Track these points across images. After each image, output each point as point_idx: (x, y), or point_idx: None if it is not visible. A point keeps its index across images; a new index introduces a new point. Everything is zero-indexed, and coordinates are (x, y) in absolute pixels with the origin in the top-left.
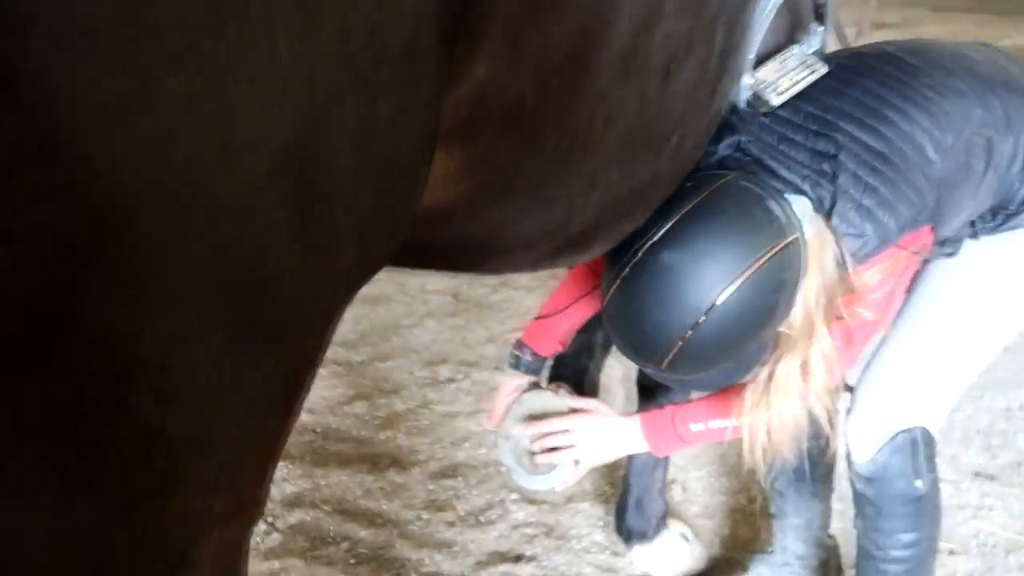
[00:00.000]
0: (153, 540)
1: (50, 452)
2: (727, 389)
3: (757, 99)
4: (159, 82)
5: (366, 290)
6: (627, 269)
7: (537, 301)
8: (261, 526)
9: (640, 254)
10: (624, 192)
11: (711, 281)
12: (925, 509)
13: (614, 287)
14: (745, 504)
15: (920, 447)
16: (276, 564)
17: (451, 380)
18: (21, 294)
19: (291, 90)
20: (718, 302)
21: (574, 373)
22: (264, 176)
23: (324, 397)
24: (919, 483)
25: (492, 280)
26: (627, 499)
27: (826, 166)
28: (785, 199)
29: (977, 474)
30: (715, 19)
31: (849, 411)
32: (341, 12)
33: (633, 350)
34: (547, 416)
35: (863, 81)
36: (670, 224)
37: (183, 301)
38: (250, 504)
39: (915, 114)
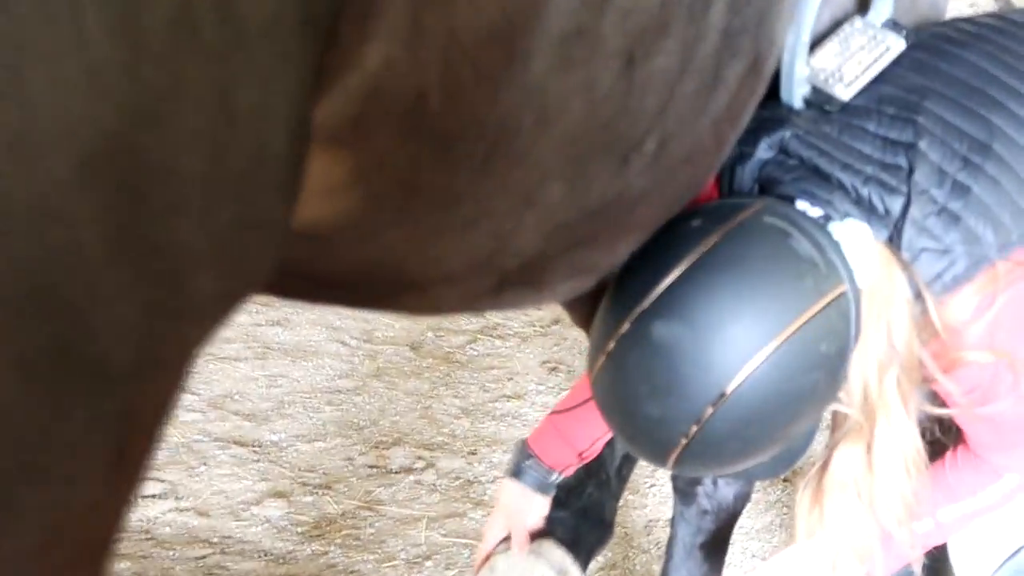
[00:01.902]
0: None
1: None
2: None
3: (819, 94)
4: None
5: (286, 339)
6: (612, 343)
7: (536, 356)
8: None
9: (627, 324)
10: (575, 214)
11: (725, 361)
12: None
13: (598, 364)
14: None
15: None
16: None
17: (407, 470)
18: None
19: (104, 77)
20: (728, 390)
21: (576, 514)
22: (70, 182)
23: (223, 493)
24: None
25: (469, 324)
26: None
27: (901, 158)
28: (827, 235)
29: None
30: None
31: None
32: None
33: (629, 443)
34: None
35: (963, 54)
36: (665, 286)
37: None
38: None
39: None
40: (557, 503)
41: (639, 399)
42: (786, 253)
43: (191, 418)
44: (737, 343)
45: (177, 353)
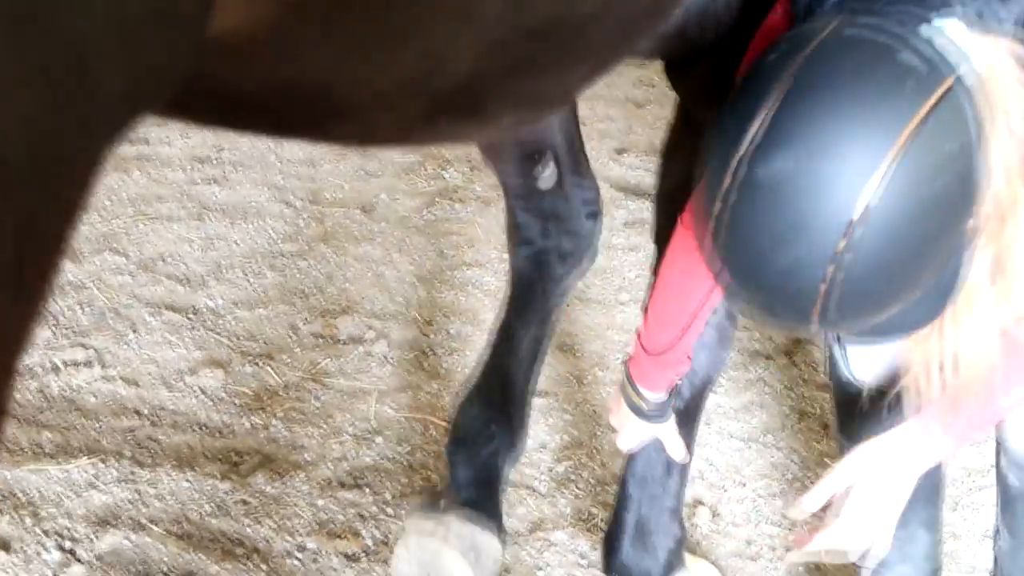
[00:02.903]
0: None
1: None
2: None
3: None
4: None
5: (224, 198)
6: (718, 203)
7: (499, 221)
8: (55, 554)
9: (728, 178)
10: (514, 33)
11: (843, 185)
12: None
13: (710, 231)
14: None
15: None
16: None
17: (357, 341)
18: None
19: None
20: (856, 216)
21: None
22: None
23: (154, 361)
24: None
25: (426, 186)
26: (623, 522)
27: None
28: (919, 34)
29: None
30: None
31: None
32: None
33: (769, 311)
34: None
35: None
36: (757, 126)
37: None
38: None
39: None
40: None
41: (764, 254)
42: (877, 60)
43: (119, 281)
44: (850, 165)
45: (81, 155)
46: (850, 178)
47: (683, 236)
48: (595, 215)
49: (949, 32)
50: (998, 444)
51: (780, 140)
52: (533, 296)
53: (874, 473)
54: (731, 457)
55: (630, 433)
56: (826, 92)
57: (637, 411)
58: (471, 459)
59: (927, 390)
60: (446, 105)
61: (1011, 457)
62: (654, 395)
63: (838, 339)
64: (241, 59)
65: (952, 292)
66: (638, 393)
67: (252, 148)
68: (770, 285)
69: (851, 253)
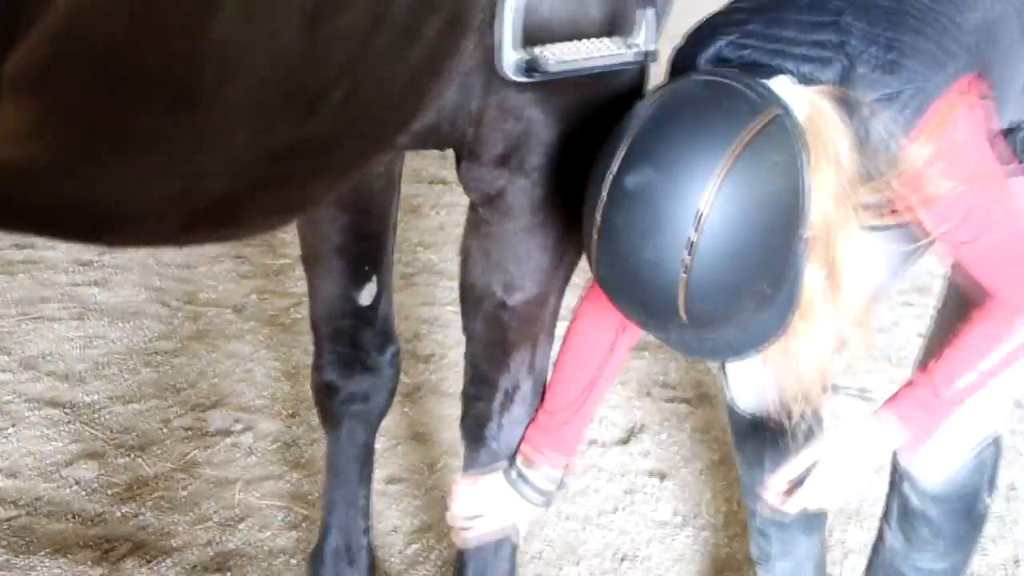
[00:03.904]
0: None
1: None
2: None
3: (533, 64)
4: None
5: (104, 299)
6: (598, 216)
7: None
8: None
9: (605, 193)
10: (261, 158)
11: (688, 188)
12: (980, 527)
13: (595, 242)
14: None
15: (998, 457)
16: None
17: (225, 433)
18: None
19: None
20: (703, 208)
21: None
22: None
23: (34, 454)
24: (988, 500)
25: (294, 287)
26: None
27: (828, 34)
28: (755, 80)
29: None
30: None
31: None
32: None
33: (642, 310)
34: None
35: None
36: (625, 149)
37: None
38: None
39: None
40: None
41: (634, 250)
42: (719, 91)
43: (2, 378)
44: (696, 168)
45: None
46: (697, 179)
47: (590, 297)
48: (394, 355)
49: (781, 83)
50: (895, 466)
51: (642, 154)
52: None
53: (838, 457)
54: (568, 537)
55: (490, 519)
56: (677, 114)
57: (523, 489)
58: None
59: (799, 403)
60: (203, 216)
61: (915, 484)
62: (551, 470)
63: (723, 367)
64: (21, 182)
65: (792, 305)
66: (529, 465)
67: (133, 252)
68: (641, 277)
69: (703, 241)
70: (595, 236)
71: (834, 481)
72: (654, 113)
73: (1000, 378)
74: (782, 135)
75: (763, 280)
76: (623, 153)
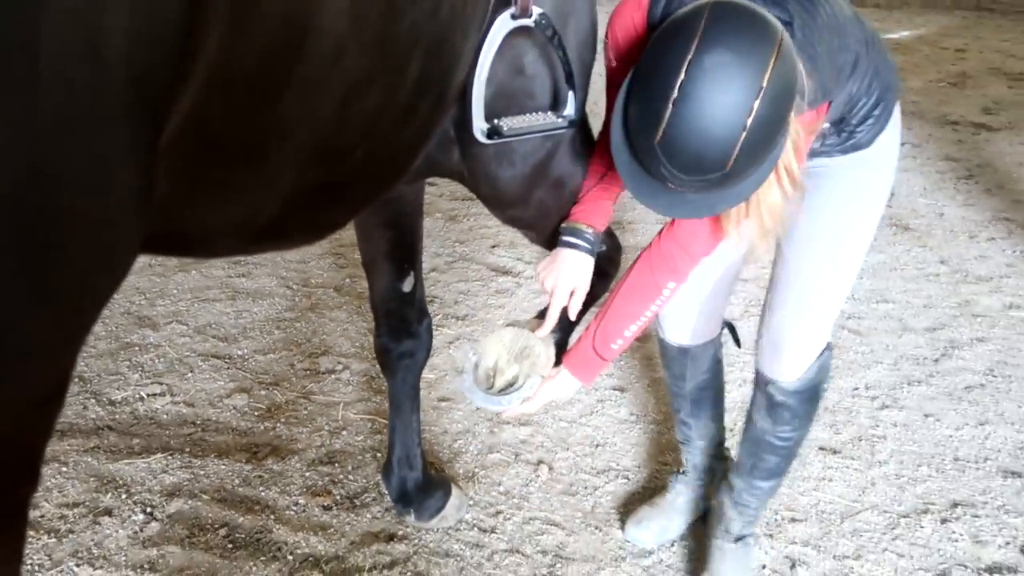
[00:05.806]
0: None
1: None
2: (634, 289)
3: (494, 130)
4: None
5: (248, 285)
6: (676, 90)
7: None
8: (139, 515)
9: (685, 70)
10: (302, 193)
11: (756, 69)
12: (818, 404)
13: (668, 110)
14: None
15: (830, 357)
16: (154, 552)
17: (331, 371)
18: None
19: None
20: (764, 84)
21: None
22: None
23: (204, 390)
24: (826, 387)
25: None
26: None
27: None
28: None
29: (821, 448)
30: (405, 56)
31: (761, 338)
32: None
33: (699, 160)
34: (525, 350)
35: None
36: (697, 39)
37: None
38: None
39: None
40: None
41: (708, 113)
42: (751, 9)
43: (182, 340)
44: (760, 55)
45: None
46: (761, 63)
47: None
48: (428, 325)
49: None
50: (758, 373)
51: (717, 43)
52: (405, 386)
53: (541, 395)
54: (560, 432)
55: (568, 271)
56: (733, 18)
57: (576, 241)
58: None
59: (764, 240)
60: (261, 234)
61: (777, 386)
62: (587, 228)
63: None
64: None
65: (772, 166)
66: (579, 230)
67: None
68: (709, 135)
69: (760, 109)
70: (670, 106)
71: (537, 404)
72: (716, 15)
73: (819, 302)
74: (790, 41)
75: (776, 143)
76: (696, 43)
